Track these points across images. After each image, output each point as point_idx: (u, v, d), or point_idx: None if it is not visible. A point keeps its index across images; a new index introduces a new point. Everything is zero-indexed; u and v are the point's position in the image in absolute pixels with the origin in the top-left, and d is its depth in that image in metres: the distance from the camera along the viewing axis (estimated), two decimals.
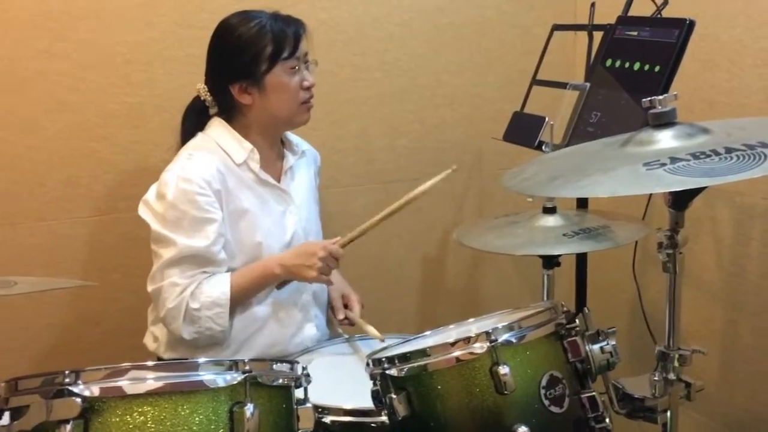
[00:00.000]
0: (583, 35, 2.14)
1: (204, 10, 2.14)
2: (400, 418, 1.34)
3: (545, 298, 1.91)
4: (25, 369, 2.12)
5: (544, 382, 1.32)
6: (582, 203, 2.06)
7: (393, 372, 1.35)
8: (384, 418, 1.39)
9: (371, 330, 1.87)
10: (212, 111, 1.88)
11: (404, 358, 1.34)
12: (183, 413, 1.14)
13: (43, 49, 2.06)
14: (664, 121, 1.41)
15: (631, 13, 2.03)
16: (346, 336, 1.97)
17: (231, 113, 1.87)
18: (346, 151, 2.42)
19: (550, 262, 1.88)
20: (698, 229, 2.21)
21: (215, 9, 1.98)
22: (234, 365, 1.20)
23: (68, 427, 1.10)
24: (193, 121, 1.89)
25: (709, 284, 2.24)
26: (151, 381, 1.14)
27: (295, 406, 1.31)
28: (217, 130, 1.86)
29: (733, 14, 2.07)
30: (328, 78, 2.29)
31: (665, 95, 1.42)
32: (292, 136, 1.99)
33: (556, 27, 2.20)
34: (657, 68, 1.80)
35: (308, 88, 1.85)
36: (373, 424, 1.49)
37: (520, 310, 1.49)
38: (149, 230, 1.78)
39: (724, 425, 2.26)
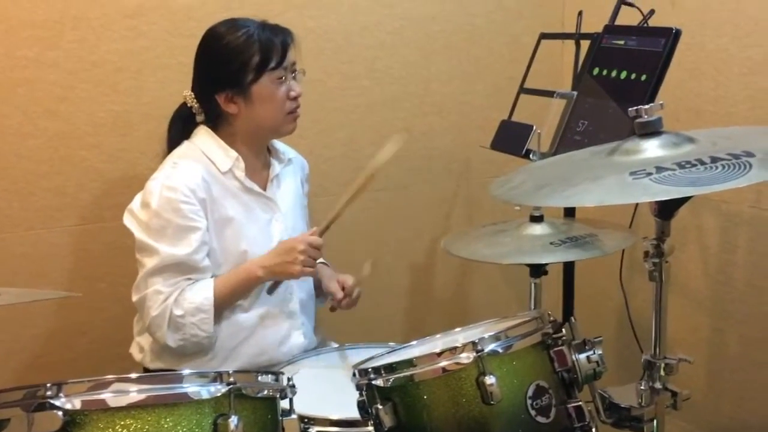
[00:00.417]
0: (570, 44, 2.15)
1: (193, 18, 2.13)
2: (386, 429, 1.33)
3: (532, 307, 1.91)
4: (10, 380, 2.11)
5: (530, 392, 1.31)
6: (569, 212, 2.06)
7: (379, 382, 1.34)
8: (370, 429, 1.38)
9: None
10: (199, 118, 1.87)
11: (390, 368, 1.34)
12: (166, 426, 1.13)
13: (32, 57, 2.05)
14: (650, 130, 1.41)
15: (618, 22, 2.04)
16: (334, 344, 1.96)
17: (217, 122, 1.86)
18: (334, 160, 2.42)
19: (538, 270, 1.88)
20: (684, 238, 2.21)
21: (204, 17, 1.98)
22: (218, 377, 1.19)
23: None
24: (180, 128, 1.88)
25: (696, 293, 2.24)
26: (134, 393, 1.13)
27: (280, 418, 1.29)
28: (203, 138, 1.85)
29: (719, 23, 2.08)
30: (316, 86, 2.29)
31: (651, 104, 1.43)
32: (278, 144, 1.99)
33: (544, 36, 2.21)
34: (644, 77, 1.81)
35: (295, 98, 1.84)
36: None
37: (507, 319, 1.49)
38: (134, 239, 1.77)
39: None
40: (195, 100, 1.85)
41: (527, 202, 1.59)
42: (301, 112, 1.88)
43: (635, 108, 1.43)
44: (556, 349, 1.38)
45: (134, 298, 1.77)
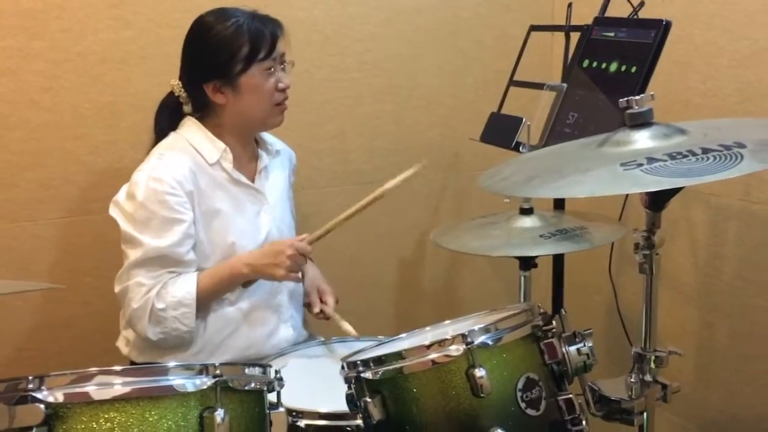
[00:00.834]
0: (560, 36, 2.14)
1: (179, 9, 2.11)
2: (375, 422, 1.32)
3: (522, 300, 1.90)
4: None
5: (520, 385, 1.31)
6: (559, 204, 2.05)
7: (368, 375, 1.33)
8: (359, 422, 1.37)
9: (346, 326, 1.85)
10: (186, 108, 1.85)
11: (379, 361, 1.33)
12: (151, 419, 1.11)
13: (16, 47, 2.03)
14: (641, 121, 1.41)
15: (608, 14, 2.03)
16: (322, 338, 1.95)
17: (204, 112, 1.84)
18: (322, 152, 2.41)
19: (527, 263, 1.87)
20: (674, 231, 2.21)
21: (191, 8, 1.95)
22: (204, 369, 1.18)
23: None
24: (166, 118, 1.86)
25: (685, 285, 2.24)
26: (118, 386, 1.12)
27: (268, 411, 1.28)
28: (190, 129, 1.83)
29: (709, 16, 2.08)
30: (304, 78, 2.27)
31: (642, 95, 1.42)
32: (266, 135, 1.97)
33: (534, 28, 2.20)
34: (634, 69, 1.80)
35: (283, 90, 1.83)
36: (348, 428, 1.47)
37: (497, 311, 1.48)
38: (120, 230, 1.75)
39: (700, 427, 2.26)
40: (182, 90, 1.83)
41: (517, 193, 1.59)
42: (290, 104, 1.87)
43: (626, 99, 1.42)
44: (546, 341, 1.37)
45: (116, 289, 1.76)
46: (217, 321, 1.81)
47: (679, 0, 2.14)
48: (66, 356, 2.18)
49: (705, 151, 1.28)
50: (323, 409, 1.50)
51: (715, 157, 1.26)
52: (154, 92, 1.94)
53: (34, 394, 1.08)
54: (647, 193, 1.46)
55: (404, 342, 1.48)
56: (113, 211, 1.77)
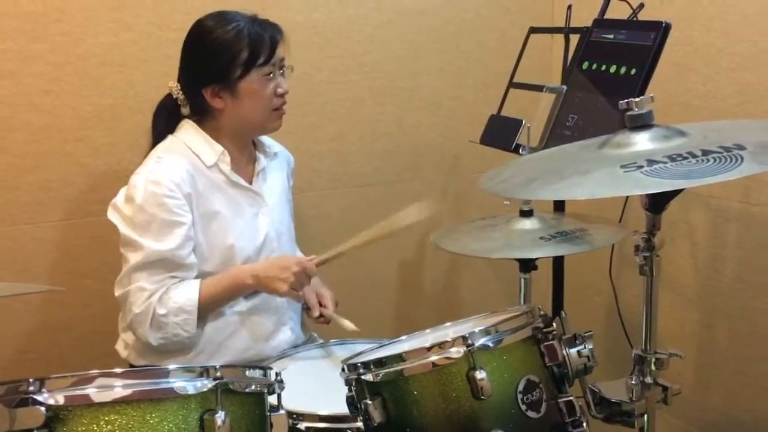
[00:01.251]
0: (559, 38, 2.15)
1: (180, 11, 2.11)
2: (375, 424, 1.32)
3: (522, 302, 1.90)
4: None
5: (521, 387, 1.31)
6: (559, 206, 2.05)
7: (368, 377, 1.33)
8: (360, 424, 1.37)
9: (347, 323, 1.84)
10: (184, 111, 1.85)
11: (380, 363, 1.33)
12: (152, 421, 1.11)
13: (17, 50, 2.02)
14: (641, 123, 1.41)
15: (608, 16, 2.03)
16: (321, 340, 1.95)
17: (202, 115, 1.84)
18: (322, 154, 2.40)
19: (527, 265, 1.87)
20: (674, 233, 2.21)
21: (191, 10, 1.95)
22: (205, 372, 1.17)
23: None
24: (164, 120, 1.86)
25: (685, 287, 2.24)
26: (118, 388, 1.11)
27: (268, 413, 1.28)
28: (188, 132, 1.83)
29: (708, 18, 2.08)
30: (304, 80, 2.27)
31: (642, 97, 1.42)
32: (264, 138, 1.97)
33: (533, 30, 2.20)
34: (633, 71, 1.80)
35: (282, 95, 1.83)
36: (348, 430, 1.47)
37: (497, 313, 1.48)
38: (119, 234, 1.74)
39: (701, 429, 2.26)
40: (180, 92, 1.83)
41: (517, 195, 1.59)
42: (289, 107, 1.86)
43: (626, 101, 1.42)
44: (546, 343, 1.37)
45: (117, 293, 1.75)
46: (216, 323, 1.81)
47: (679, 2, 2.15)
48: (66, 358, 2.17)
49: (705, 153, 1.28)
50: (323, 412, 1.49)
51: (714, 159, 1.26)
52: (154, 95, 1.94)
53: (34, 397, 1.08)
54: (647, 195, 1.46)
55: (405, 344, 1.48)
56: (112, 215, 1.77)
